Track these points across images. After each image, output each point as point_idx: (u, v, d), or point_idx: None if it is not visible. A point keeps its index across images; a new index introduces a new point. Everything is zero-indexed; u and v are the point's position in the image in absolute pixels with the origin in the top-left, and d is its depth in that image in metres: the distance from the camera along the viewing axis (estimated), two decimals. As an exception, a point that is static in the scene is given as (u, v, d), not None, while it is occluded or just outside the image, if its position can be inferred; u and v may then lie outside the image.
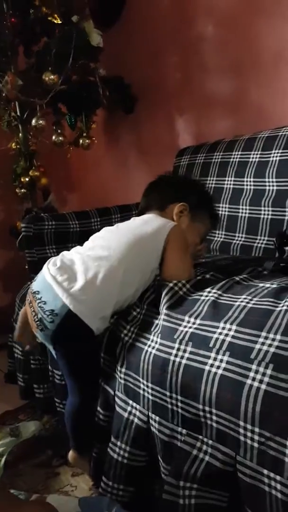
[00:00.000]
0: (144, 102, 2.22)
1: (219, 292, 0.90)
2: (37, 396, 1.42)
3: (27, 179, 1.98)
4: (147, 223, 1.11)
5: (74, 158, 2.30)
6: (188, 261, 1.10)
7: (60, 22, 1.72)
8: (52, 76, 1.71)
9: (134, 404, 0.91)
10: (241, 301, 0.84)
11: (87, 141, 2.04)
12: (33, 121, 1.82)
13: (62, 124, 2.03)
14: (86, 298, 0.93)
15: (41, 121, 1.81)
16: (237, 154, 1.60)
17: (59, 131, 1.99)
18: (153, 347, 0.88)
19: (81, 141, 2.04)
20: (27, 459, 1.33)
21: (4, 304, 2.34)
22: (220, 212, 1.60)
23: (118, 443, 0.92)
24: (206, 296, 0.90)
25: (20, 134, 1.95)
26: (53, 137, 1.97)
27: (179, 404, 0.80)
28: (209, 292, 0.91)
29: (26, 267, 1.79)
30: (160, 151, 2.24)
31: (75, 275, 0.97)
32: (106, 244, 1.05)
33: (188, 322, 0.86)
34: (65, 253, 1.08)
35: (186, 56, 2.03)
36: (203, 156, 1.72)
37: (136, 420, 0.90)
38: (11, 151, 2.03)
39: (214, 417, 0.74)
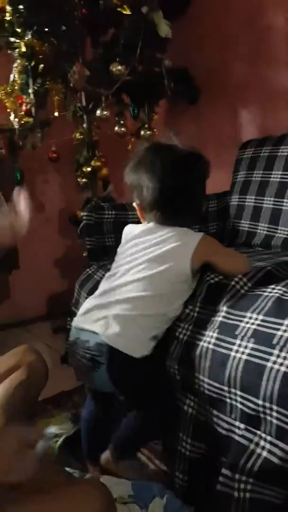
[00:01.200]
0: (208, 94, 2.19)
1: (284, 289, 0.88)
2: None
3: (89, 169, 2.02)
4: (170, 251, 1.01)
5: (134, 150, 2.31)
6: (233, 252, 1.09)
7: (129, 13, 1.72)
8: (119, 67, 1.73)
9: (193, 397, 0.92)
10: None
11: (148, 132, 2.04)
12: (98, 112, 1.85)
13: (124, 115, 2.05)
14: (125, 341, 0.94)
15: (105, 112, 1.84)
16: (304, 148, 1.55)
17: (121, 121, 2.01)
18: (210, 342, 0.88)
19: (142, 132, 2.05)
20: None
21: (63, 289, 2.41)
22: (284, 208, 1.57)
23: (180, 435, 0.93)
24: (270, 292, 0.89)
25: (85, 124, 1.98)
26: (116, 128, 2.00)
27: (238, 399, 0.80)
28: (273, 288, 0.90)
29: (85, 254, 1.84)
30: (221, 144, 2.21)
31: (107, 321, 0.96)
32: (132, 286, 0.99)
33: (251, 318, 0.85)
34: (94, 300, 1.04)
35: (253, 48, 1.98)
36: (269, 150, 1.67)
37: (195, 413, 0.91)
38: (75, 141, 2.07)
39: (275, 414, 0.73)
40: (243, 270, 1.02)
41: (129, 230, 1.14)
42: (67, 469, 1.13)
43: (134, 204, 1.11)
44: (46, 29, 1.75)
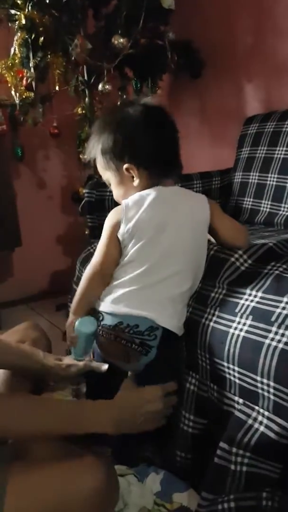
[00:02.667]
0: (212, 67, 2.14)
1: (285, 266, 0.88)
2: None
3: (91, 144, 2.00)
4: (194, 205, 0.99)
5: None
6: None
7: (131, -17, 1.68)
8: (121, 40, 1.69)
9: (194, 374, 0.92)
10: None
11: (151, 107, 2.01)
12: (100, 86, 1.82)
13: (127, 89, 2.02)
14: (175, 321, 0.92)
15: (107, 86, 1.81)
16: (310, 124, 1.52)
17: (124, 96, 1.98)
18: (211, 320, 0.88)
19: (145, 107, 2.01)
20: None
21: (65, 267, 2.42)
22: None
23: (182, 412, 0.94)
24: (270, 269, 0.88)
25: (87, 99, 1.95)
26: (118, 103, 1.96)
27: (236, 374, 0.80)
28: (273, 266, 0.89)
29: (87, 232, 1.83)
30: (225, 119, 2.17)
31: (159, 303, 0.91)
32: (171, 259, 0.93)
33: (250, 295, 0.85)
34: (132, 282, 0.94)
35: (259, 20, 1.93)
36: (273, 125, 1.64)
37: (196, 389, 0.92)
38: (77, 116, 2.04)
39: (272, 390, 0.74)
40: (244, 240, 1.00)
41: (137, 200, 0.97)
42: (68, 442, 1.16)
43: (125, 167, 0.97)
44: (47, 1, 1.71)
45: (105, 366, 0.99)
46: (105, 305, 0.94)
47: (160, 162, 0.98)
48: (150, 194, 0.96)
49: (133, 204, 0.96)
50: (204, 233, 0.98)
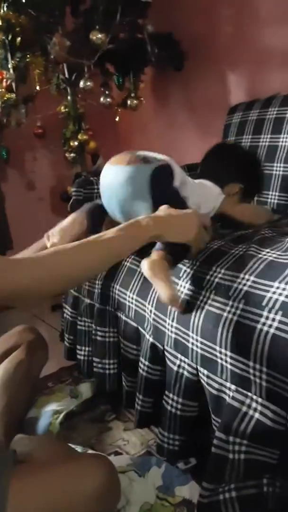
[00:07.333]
0: (194, 59, 2.13)
1: (279, 253, 0.87)
2: (78, 357, 1.44)
3: (76, 143, 1.99)
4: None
5: (122, 121, 2.27)
6: None
7: (107, -23, 1.66)
8: (99, 35, 1.67)
9: (183, 358, 0.92)
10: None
11: (135, 101, 2.00)
12: (81, 83, 1.81)
13: (110, 86, 2.01)
14: None
15: (89, 83, 1.80)
16: (293, 109, 1.51)
17: (107, 92, 1.97)
18: (206, 303, 0.88)
19: (129, 102, 2.01)
20: (81, 414, 1.39)
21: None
22: (274, 172, 1.54)
23: (171, 395, 0.95)
24: (265, 254, 0.88)
25: (69, 97, 1.94)
26: (101, 99, 1.96)
27: (228, 359, 0.80)
28: (268, 252, 0.89)
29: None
30: (210, 110, 2.16)
31: None
32: None
33: (243, 279, 0.85)
34: None
35: (238, 8, 1.91)
36: (257, 113, 1.63)
37: (185, 373, 0.92)
38: (60, 115, 2.03)
39: (264, 376, 0.73)
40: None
41: None
42: (68, 444, 1.15)
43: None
44: (23, 0, 1.69)
45: None
46: None
47: None
48: None
49: None
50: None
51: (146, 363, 1.05)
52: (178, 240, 0.89)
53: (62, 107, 1.99)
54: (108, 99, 1.96)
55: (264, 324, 0.75)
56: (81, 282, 0.87)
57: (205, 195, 1.17)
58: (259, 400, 0.75)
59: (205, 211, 1.16)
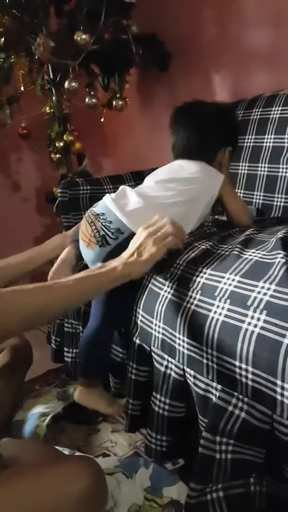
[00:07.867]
0: (179, 59, 2.13)
1: (264, 253, 0.88)
2: (65, 359, 1.43)
3: (61, 144, 1.98)
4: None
5: (108, 122, 2.27)
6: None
7: (91, -23, 1.66)
8: (83, 36, 1.67)
9: (170, 359, 0.93)
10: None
11: (120, 102, 2.00)
12: (66, 84, 1.80)
13: (95, 86, 2.00)
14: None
15: (73, 83, 1.79)
16: (277, 110, 1.52)
17: (92, 93, 1.96)
18: (192, 303, 0.89)
19: (114, 102, 2.00)
20: (69, 416, 1.38)
21: (43, 268, 2.39)
22: (259, 173, 1.55)
23: (158, 396, 0.95)
24: (250, 255, 0.89)
25: (54, 98, 1.93)
26: (86, 100, 1.95)
27: (215, 359, 0.80)
28: (253, 252, 0.90)
29: (63, 232, 1.81)
30: (196, 111, 2.16)
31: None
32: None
33: (228, 279, 0.85)
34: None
35: (223, 9, 1.92)
36: (241, 113, 1.64)
37: (172, 373, 0.92)
38: (45, 115, 2.02)
39: (250, 375, 0.73)
40: (248, 219, 1.24)
41: None
42: (56, 447, 1.14)
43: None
44: (7, 1, 1.68)
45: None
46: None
47: None
48: None
49: None
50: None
51: (134, 365, 1.05)
52: (149, 265, 0.93)
53: (47, 108, 1.98)
54: (93, 100, 1.95)
55: (249, 323, 0.75)
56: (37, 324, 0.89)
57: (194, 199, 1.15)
58: (245, 399, 0.75)
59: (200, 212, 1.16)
